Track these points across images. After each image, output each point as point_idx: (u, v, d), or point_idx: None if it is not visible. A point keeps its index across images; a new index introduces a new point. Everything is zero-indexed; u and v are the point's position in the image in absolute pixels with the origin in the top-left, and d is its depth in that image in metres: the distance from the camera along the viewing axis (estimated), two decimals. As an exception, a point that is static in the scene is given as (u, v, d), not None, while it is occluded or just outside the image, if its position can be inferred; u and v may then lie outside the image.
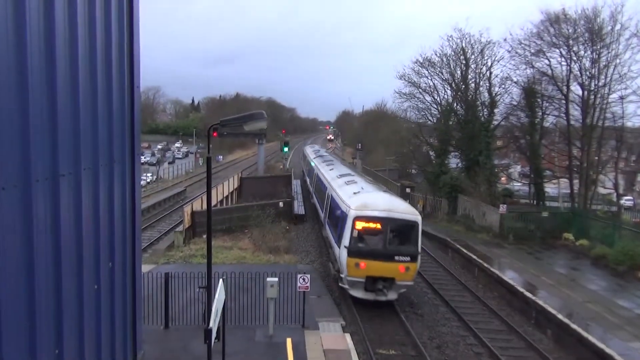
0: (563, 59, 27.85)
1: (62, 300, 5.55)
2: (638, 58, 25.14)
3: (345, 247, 14.44)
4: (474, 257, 19.83)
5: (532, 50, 29.11)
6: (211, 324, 6.76)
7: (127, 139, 7.61)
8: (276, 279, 11.47)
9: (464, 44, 32.72)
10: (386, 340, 12.76)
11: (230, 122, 7.52)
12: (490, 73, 32.00)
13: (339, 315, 13.57)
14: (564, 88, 28.07)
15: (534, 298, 14.90)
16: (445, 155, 34.34)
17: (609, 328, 12.96)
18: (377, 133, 61.75)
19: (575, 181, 28.03)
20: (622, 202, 29.18)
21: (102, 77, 6.59)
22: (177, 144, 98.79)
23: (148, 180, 51.07)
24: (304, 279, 11.63)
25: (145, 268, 14.27)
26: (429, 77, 35.18)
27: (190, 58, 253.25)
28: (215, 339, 6.97)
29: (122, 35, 7.31)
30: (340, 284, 15.50)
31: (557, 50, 27.99)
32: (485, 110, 32.03)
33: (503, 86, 31.65)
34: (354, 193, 16.48)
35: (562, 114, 28.93)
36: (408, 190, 34.00)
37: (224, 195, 32.90)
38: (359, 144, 63.33)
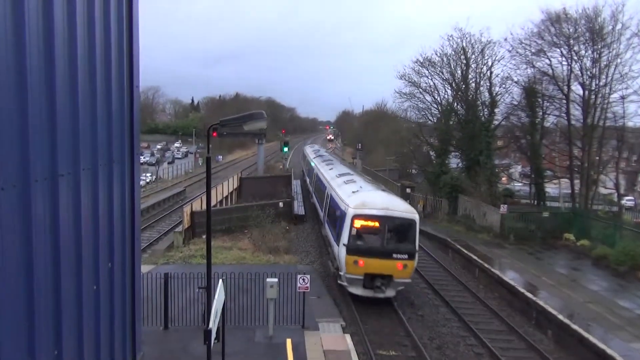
0: (564, 59, 27.84)
1: (61, 300, 5.54)
2: (639, 58, 25.16)
3: (344, 244, 14.62)
4: (475, 257, 19.80)
5: (533, 50, 29.10)
6: (211, 325, 6.74)
7: (126, 139, 7.59)
8: (276, 280, 11.45)
9: (464, 44, 32.72)
10: (386, 341, 12.73)
11: (229, 122, 7.50)
12: (491, 73, 32.01)
13: (339, 315, 13.54)
14: (565, 88, 28.03)
15: (534, 298, 14.87)
16: (445, 155, 34.30)
17: (610, 329, 12.93)
18: (377, 133, 61.71)
19: (576, 181, 27.98)
20: (623, 202, 29.12)
21: (101, 77, 6.58)
22: (177, 144, 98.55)
23: (147, 180, 51.03)
24: (303, 280, 11.60)
25: (144, 268, 14.24)
26: (430, 77, 35.19)
27: (189, 58, 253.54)
28: (214, 339, 6.95)
29: (121, 34, 7.30)
30: (339, 281, 15.67)
31: (558, 50, 27.97)
32: (485, 110, 31.99)
33: (504, 86, 31.66)
34: (353, 192, 16.65)
35: (563, 114, 28.90)
36: (408, 190, 33.97)
37: (224, 196, 32.87)
38: (359, 144, 63.29)
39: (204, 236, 13.64)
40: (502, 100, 31.90)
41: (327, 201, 20.23)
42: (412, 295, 16.48)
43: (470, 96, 32.93)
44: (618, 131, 27.02)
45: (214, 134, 30.80)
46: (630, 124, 28.09)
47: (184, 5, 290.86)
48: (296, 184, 38.40)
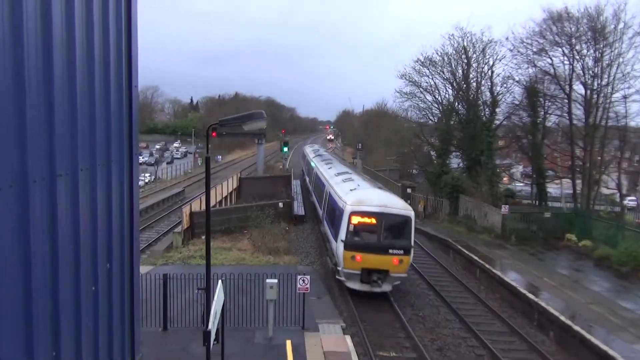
0: (565, 58, 27.78)
1: (59, 301, 5.52)
2: (641, 57, 25.03)
3: (341, 240, 15.09)
4: (476, 258, 19.73)
5: (534, 49, 29.02)
6: (210, 326, 6.69)
7: (125, 139, 7.55)
8: (276, 281, 11.39)
9: (465, 43, 32.63)
10: (387, 342, 12.67)
11: (229, 121, 7.45)
12: (492, 72, 31.93)
13: (339, 316, 13.49)
14: (567, 87, 27.95)
15: (536, 299, 14.80)
16: (446, 155, 34.24)
17: (612, 330, 12.86)
18: (378, 133, 61.63)
19: (578, 181, 27.90)
20: (625, 202, 29.10)
21: (99, 77, 6.54)
22: (176, 144, 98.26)
23: (146, 180, 51.02)
24: (303, 280, 11.54)
25: (143, 269, 14.23)
26: (430, 76, 35.10)
27: (189, 57, 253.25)
28: (214, 341, 6.91)
29: (120, 34, 7.26)
30: (337, 277, 16.09)
31: (560, 49, 27.90)
32: (487, 109, 31.90)
33: (505, 85, 31.57)
34: (351, 190, 17.09)
35: (565, 114, 28.82)
36: (409, 190, 33.90)
37: (223, 196, 32.82)
38: (359, 144, 63.14)
39: (203, 237, 13.60)
40: (503, 99, 31.87)
41: (325, 199, 20.57)
42: (413, 296, 16.42)
43: (472, 96, 32.85)
44: (620, 131, 26.95)
45: (213, 134, 30.80)
46: (632, 123, 28.13)
47: (184, 5, 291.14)
48: (296, 184, 38.34)
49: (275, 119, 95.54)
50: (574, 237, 23.09)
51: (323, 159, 33.77)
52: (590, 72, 26.49)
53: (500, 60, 31.59)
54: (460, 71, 33.65)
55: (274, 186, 35.50)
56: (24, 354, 4.86)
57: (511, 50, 30.23)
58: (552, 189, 33.41)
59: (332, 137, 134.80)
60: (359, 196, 15.95)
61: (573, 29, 27.13)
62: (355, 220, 15.01)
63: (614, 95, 26.01)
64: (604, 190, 29.73)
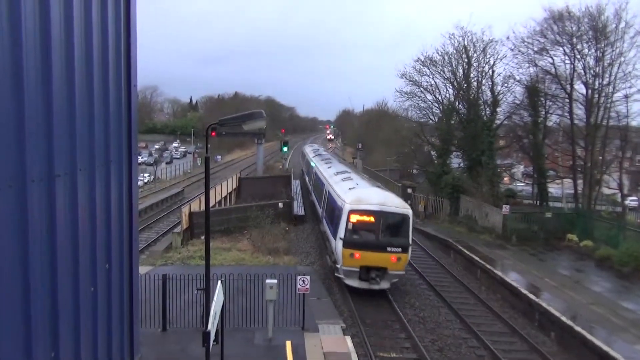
0: (567, 57, 27.66)
1: (58, 301, 5.50)
2: (643, 56, 24.94)
3: (340, 238, 15.29)
4: (477, 258, 19.68)
5: (535, 49, 28.92)
6: (209, 327, 6.67)
7: (124, 138, 7.53)
8: (275, 281, 11.35)
9: (466, 42, 32.53)
10: (387, 343, 12.64)
11: (228, 121, 7.42)
12: (493, 71, 31.82)
13: (339, 317, 13.45)
14: (568, 87, 27.85)
15: (537, 300, 14.76)
16: (447, 155, 34.16)
17: (613, 330, 12.81)
18: (378, 132, 61.53)
19: (579, 181, 27.81)
20: (626, 202, 29.03)
21: (98, 77, 6.52)
22: (175, 144, 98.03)
23: (145, 180, 51.00)
24: (303, 281, 11.51)
25: (142, 270, 14.20)
26: (431, 76, 34.99)
27: (188, 57, 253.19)
28: (213, 341, 6.89)
29: (119, 34, 7.24)
30: (336, 274, 16.29)
31: (561, 49, 27.79)
32: (487, 109, 31.82)
33: (506, 85, 31.45)
34: (350, 189, 17.29)
35: (566, 113, 28.71)
36: (409, 190, 33.85)
37: (223, 196, 32.79)
38: (360, 144, 63.08)
39: (203, 237, 13.56)
40: (504, 99, 31.76)
41: (325, 198, 20.72)
42: (414, 297, 16.38)
43: (472, 95, 32.77)
44: (621, 130, 26.85)
45: (213, 134, 30.77)
46: (633, 123, 28.01)
47: (183, 5, 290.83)
48: (296, 184, 38.28)
49: (275, 119, 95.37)
50: (575, 238, 23.02)
51: (323, 158, 33.80)
52: (592, 71, 26.41)
53: (501, 60, 31.52)
54: (460, 70, 33.58)
55: (274, 186, 35.47)
56: (23, 355, 4.84)
57: (512, 50, 30.17)
58: (553, 189, 33.32)
59: (332, 137, 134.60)
60: (358, 195, 16.14)
61: (574, 28, 27.05)
62: (354, 218, 15.22)
63: (615, 95, 25.94)
64: (606, 190, 29.64)
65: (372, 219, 15.18)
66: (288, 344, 11.07)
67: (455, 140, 34.19)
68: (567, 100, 28.04)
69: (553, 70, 28.60)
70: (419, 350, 12.04)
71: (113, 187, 7.15)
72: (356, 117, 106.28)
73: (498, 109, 31.53)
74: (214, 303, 7.06)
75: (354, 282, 15.37)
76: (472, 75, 33.01)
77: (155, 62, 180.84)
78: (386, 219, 15.24)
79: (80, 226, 6.04)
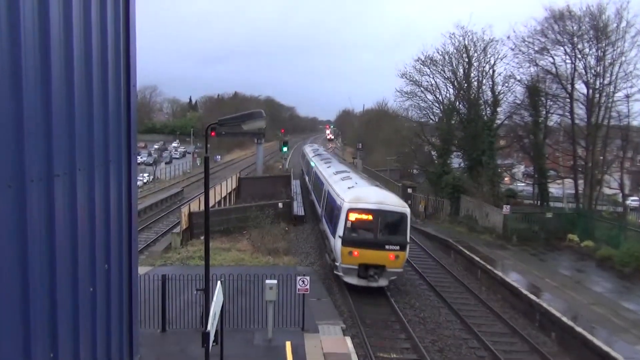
0: (567, 57, 27.63)
1: (57, 302, 5.48)
2: (644, 56, 24.90)
3: (339, 237, 15.49)
4: (477, 258, 19.65)
5: (536, 48, 28.89)
6: (209, 327, 6.65)
7: (123, 138, 7.51)
8: (275, 281, 11.32)
9: (466, 42, 32.52)
10: (387, 344, 12.62)
11: (228, 121, 7.41)
12: (493, 71, 31.80)
13: (339, 317, 13.43)
14: (569, 86, 27.81)
15: (538, 300, 14.73)
16: (447, 155, 34.13)
17: (614, 331, 12.78)
18: (378, 132, 61.52)
19: (580, 181, 27.78)
20: (627, 202, 28.96)
21: (97, 77, 6.50)
22: (175, 144, 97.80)
23: (145, 180, 51.00)
24: (303, 281, 11.48)
25: (141, 270, 14.15)
26: (431, 76, 34.99)
27: (188, 57, 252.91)
28: (213, 342, 6.87)
29: (118, 34, 7.22)
30: (335, 272, 16.50)
31: (562, 48, 27.76)
32: (488, 109, 31.80)
33: (506, 84, 31.43)
34: (349, 187, 17.51)
35: (567, 113, 28.66)
36: (410, 190, 33.85)
37: (222, 196, 32.78)
38: (360, 144, 63.10)
39: (202, 237, 13.54)
40: (504, 99, 31.75)
41: (324, 197, 20.89)
42: (414, 297, 16.35)
43: (473, 95, 32.74)
44: (623, 130, 26.81)
45: (213, 134, 30.64)
46: (635, 123, 27.97)
47: (183, 5, 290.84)
48: (296, 184, 38.26)
49: (275, 119, 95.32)
50: (576, 238, 22.99)
51: (322, 158, 33.87)
52: (593, 71, 26.38)
53: (501, 59, 31.50)
54: (461, 70, 33.56)
55: (274, 186, 35.45)
56: (22, 355, 4.82)
57: (512, 49, 30.14)
58: (554, 189, 33.28)
59: (332, 137, 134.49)
60: (357, 193, 16.35)
61: (575, 28, 27.01)
62: (353, 216, 15.42)
63: (616, 95, 25.93)
64: (606, 190, 29.62)
65: (370, 217, 15.38)
66: (288, 344, 11.05)
67: (455, 140, 34.17)
68: (568, 100, 28.00)
69: (554, 69, 28.58)
70: (419, 351, 12.02)
71: (112, 187, 7.12)
72: (356, 117, 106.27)
73: (499, 109, 31.54)
74: (213, 303, 7.04)
75: (352, 280, 15.56)
76: (472, 74, 33.00)
77: (155, 62, 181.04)
78: (384, 217, 15.44)
79: (79, 226, 6.02)
